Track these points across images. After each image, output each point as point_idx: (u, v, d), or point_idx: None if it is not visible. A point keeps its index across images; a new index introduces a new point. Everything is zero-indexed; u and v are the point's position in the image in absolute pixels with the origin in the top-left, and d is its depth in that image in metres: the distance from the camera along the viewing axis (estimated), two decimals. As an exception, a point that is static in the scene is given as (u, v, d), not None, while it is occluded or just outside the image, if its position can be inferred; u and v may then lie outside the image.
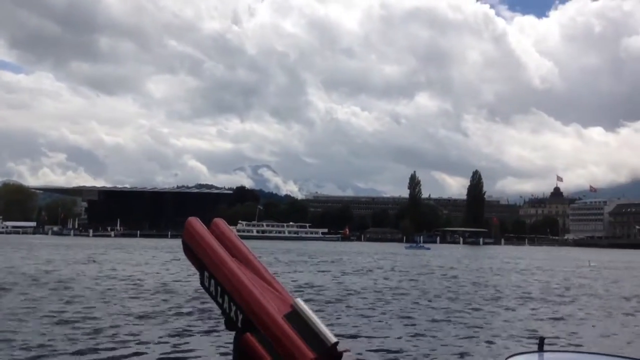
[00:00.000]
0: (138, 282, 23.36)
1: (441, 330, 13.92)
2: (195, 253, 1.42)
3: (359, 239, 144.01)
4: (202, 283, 1.41)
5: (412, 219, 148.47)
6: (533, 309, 18.87)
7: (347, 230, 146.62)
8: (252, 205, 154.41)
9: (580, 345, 12.42)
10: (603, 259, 67.18)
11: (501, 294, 23.34)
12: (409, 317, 16.03)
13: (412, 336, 13.11)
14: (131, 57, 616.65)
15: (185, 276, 24.83)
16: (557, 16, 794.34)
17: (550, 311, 18.51)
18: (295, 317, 1.29)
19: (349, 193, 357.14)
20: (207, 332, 12.18)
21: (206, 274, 1.39)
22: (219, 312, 1.39)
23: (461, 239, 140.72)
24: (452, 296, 21.80)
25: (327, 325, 1.19)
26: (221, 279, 1.36)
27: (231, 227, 1.33)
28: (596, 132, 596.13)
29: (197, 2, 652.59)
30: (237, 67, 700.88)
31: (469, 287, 26.12)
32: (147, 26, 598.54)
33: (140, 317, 14.13)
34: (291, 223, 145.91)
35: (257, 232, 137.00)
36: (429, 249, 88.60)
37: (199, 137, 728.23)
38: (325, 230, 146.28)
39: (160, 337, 11.64)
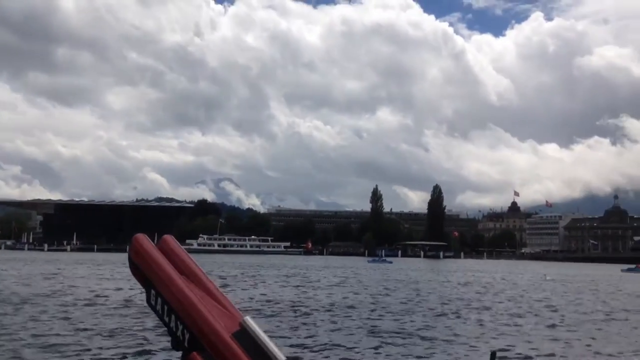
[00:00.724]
0: (90, 298, 22.86)
1: (397, 345, 14.07)
2: (141, 270, 1.40)
3: (321, 253, 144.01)
4: (148, 301, 1.38)
5: (374, 232, 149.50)
6: (490, 322, 19.26)
7: (309, 244, 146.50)
8: (213, 219, 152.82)
9: (531, 358, 12.78)
10: (558, 272, 69.03)
11: (459, 307, 23.74)
12: (368, 332, 16.17)
13: (367, 350, 13.23)
14: (89, 68, 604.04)
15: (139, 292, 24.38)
16: (513, 35, 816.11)
17: (507, 324, 18.94)
18: (244, 335, 1.27)
19: (312, 207, 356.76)
20: (154, 353, 11.92)
21: (153, 292, 1.36)
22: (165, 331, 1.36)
23: (422, 253, 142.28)
24: (410, 310, 22.07)
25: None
26: (168, 297, 1.33)
27: (181, 244, 1.41)
28: (551, 149, 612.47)
29: (158, 14, 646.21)
30: (199, 80, 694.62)
31: (429, 301, 26.49)
32: (106, 37, 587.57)
33: (89, 334, 13.85)
34: (253, 237, 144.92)
35: (219, 245, 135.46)
36: (391, 262, 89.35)
37: (160, 149, 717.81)
38: (288, 244, 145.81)
39: (104, 356, 11.43)
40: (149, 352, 11.90)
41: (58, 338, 13.20)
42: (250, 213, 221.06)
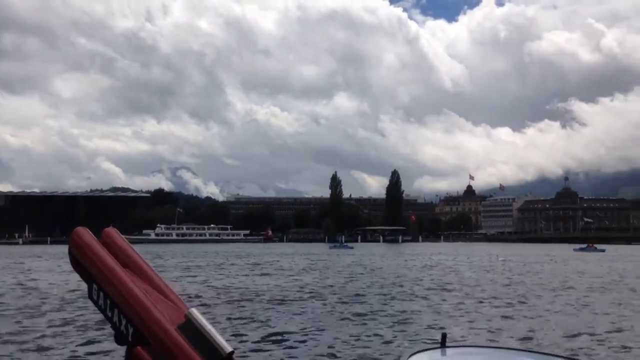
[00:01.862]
0: (37, 291, 22.19)
1: (348, 329, 14.15)
2: (82, 265, 1.38)
3: (281, 240, 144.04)
4: (90, 296, 1.36)
5: (334, 218, 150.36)
6: (444, 305, 19.59)
7: (269, 231, 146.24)
8: (171, 208, 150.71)
9: (490, 340, 13.02)
10: (512, 253, 70.96)
11: (414, 290, 24.06)
12: (325, 318, 16.19)
13: (316, 333, 13.25)
14: (37, 54, 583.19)
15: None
16: (465, 21, 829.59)
17: (460, 306, 19.28)
18: (189, 327, 1.26)
19: (271, 194, 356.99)
20: (97, 349, 11.65)
21: (95, 286, 1.34)
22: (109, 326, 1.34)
23: (381, 238, 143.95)
24: (366, 294, 22.24)
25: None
26: (110, 291, 1.31)
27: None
28: (504, 133, 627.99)
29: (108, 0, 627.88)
30: (152, 66, 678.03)
31: (386, 285, 26.76)
32: (54, 23, 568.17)
33: (29, 328, 13.42)
34: (212, 225, 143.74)
35: (177, 235, 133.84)
36: (352, 248, 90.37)
37: (113, 138, 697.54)
38: (248, 231, 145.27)
39: (47, 353, 11.09)
40: (91, 346, 11.59)
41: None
42: (209, 202, 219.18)
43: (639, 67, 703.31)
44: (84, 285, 1.39)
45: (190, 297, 20.48)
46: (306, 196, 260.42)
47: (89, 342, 12.01)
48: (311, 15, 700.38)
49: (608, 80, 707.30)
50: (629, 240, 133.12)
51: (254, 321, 15.70)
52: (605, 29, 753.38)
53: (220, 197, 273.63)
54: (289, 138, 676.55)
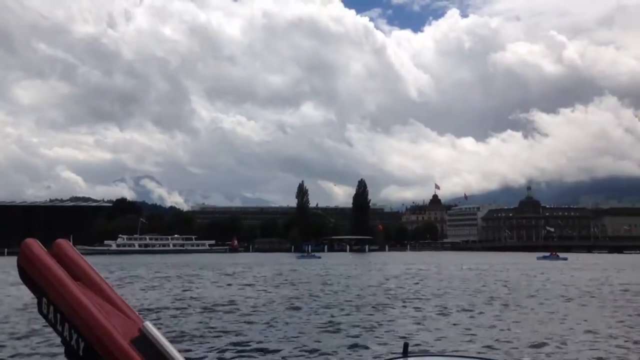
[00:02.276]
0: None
1: (312, 339, 13.73)
2: (32, 278, 1.33)
3: (247, 250, 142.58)
4: (40, 310, 1.31)
5: (301, 228, 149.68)
6: (406, 313, 19.28)
7: (235, 241, 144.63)
8: (133, 218, 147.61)
9: (453, 349, 12.70)
10: (477, 261, 71.51)
11: (380, 300, 23.72)
12: (290, 329, 15.69)
13: (279, 344, 12.77)
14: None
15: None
16: (431, 31, 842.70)
17: (424, 315, 19.00)
18: (144, 341, 1.23)
19: (237, 203, 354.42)
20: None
21: (44, 300, 1.30)
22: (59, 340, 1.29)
23: (348, 247, 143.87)
24: (332, 304, 21.80)
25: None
26: (61, 304, 1.27)
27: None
28: (468, 142, 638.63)
29: (69, 3, 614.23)
30: (114, 73, 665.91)
31: (352, 294, 26.36)
32: (11, 28, 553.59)
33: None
34: (176, 235, 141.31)
35: (140, 246, 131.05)
36: (319, 257, 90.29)
37: (74, 146, 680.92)
38: (213, 242, 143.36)
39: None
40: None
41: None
42: (173, 211, 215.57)
43: (599, 79, 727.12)
44: (34, 299, 1.35)
45: (152, 310, 19.67)
46: (273, 206, 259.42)
47: (37, 358, 11.29)
48: (277, 23, 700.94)
49: (569, 92, 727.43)
50: (589, 249, 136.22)
51: (221, 334, 15.09)
52: (566, 41, 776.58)
53: (185, 207, 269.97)
54: (255, 147, 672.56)
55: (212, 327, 15.80)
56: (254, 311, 19.79)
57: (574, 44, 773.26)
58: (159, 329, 1.23)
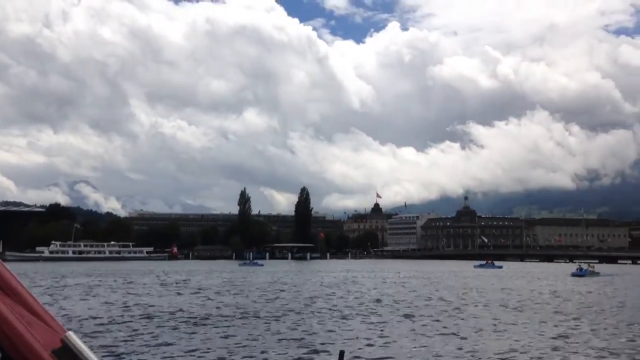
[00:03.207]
0: None
1: (250, 347, 13.57)
2: None
3: (187, 257, 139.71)
4: None
5: (242, 235, 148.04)
6: (344, 321, 19.34)
7: (174, 248, 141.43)
8: (68, 224, 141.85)
9: (388, 356, 12.79)
10: (415, 269, 72.81)
11: (318, 308, 23.71)
12: (221, 336, 15.42)
13: (209, 353, 12.54)
14: None
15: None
16: (373, 43, 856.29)
17: (361, 323, 19.11)
18: (66, 352, 1.18)
19: (177, 210, 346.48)
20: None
21: None
22: None
23: (290, 255, 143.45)
24: (272, 312, 21.62)
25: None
26: None
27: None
28: (409, 152, 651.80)
29: (3, 2, 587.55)
30: (50, 74, 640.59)
31: (291, 302, 26.22)
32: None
33: None
34: (113, 242, 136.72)
35: (74, 252, 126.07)
36: (262, 265, 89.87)
37: (5, 149, 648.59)
38: (151, 249, 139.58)
39: None
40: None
41: None
42: (110, 217, 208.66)
43: (531, 94, 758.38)
44: None
45: (82, 319, 18.87)
46: (214, 213, 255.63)
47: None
48: (220, 29, 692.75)
49: (503, 105, 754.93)
50: (521, 257, 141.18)
51: (153, 342, 14.62)
52: (501, 57, 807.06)
53: (123, 213, 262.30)
54: (196, 153, 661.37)
55: (145, 336, 15.32)
56: (192, 319, 19.31)
57: (508, 59, 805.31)
58: (83, 339, 1.19)
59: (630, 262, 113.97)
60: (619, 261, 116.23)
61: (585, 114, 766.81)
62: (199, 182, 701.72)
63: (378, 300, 27.73)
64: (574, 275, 56.68)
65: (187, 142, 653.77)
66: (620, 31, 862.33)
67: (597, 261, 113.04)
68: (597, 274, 58.04)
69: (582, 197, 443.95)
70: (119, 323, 18.24)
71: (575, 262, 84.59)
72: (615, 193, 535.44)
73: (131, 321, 18.79)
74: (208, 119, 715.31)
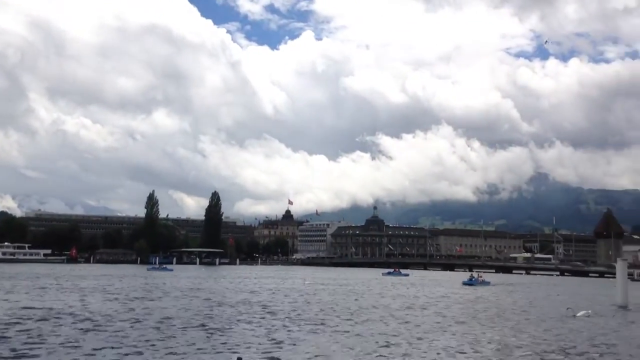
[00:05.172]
0: None
1: (145, 356, 13.31)
2: None
3: (87, 261, 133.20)
4: None
5: (149, 239, 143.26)
6: (245, 329, 19.36)
7: (74, 251, 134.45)
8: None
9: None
10: (324, 276, 73.76)
11: (217, 313, 23.54)
12: (113, 346, 14.97)
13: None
14: None
15: None
16: (287, 51, 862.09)
17: (260, 329, 19.19)
18: None
19: (79, 211, 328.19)
20: None
21: None
22: None
23: (198, 260, 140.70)
24: (169, 319, 21.25)
25: None
26: None
27: None
28: (320, 160, 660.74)
29: None
30: None
31: (191, 308, 25.83)
32: None
33: None
34: (6, 243, 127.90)
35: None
36: (172, 270, 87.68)
37: None
38: (49, 251, 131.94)
39: None
40: None
41: None
42: (4, 217, 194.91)
43: (437, 109, 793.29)
44: None
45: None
46: (119, 215, 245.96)
47: None
48: (130, 26, 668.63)
49: (411, 119, 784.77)
50: (425, 266, 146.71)
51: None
52: (410, 72, 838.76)
53: (19, 212, 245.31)
54: (101, 152, 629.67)
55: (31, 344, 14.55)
56: (93, 325, 18.54)
57: (416, 75, 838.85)
58: None
59: (524, 272, 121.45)
60: (514, 271, 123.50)
61: (485, 130, 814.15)
62: (102, 183, 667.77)
63: (279, 306, 27.88)
64: (464, 284, 59.47)
65: (91, 140, 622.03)
66: (520, 54, 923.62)
67: (493, 270, 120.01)
68: (488, 283, 60.95)
69: (482, 210, 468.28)
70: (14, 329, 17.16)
71: (473, 271, 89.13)
72: (512, 207, 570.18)
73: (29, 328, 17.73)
74: (114, 117, 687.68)
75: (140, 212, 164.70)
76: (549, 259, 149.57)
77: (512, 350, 16.68)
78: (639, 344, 19.40)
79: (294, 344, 16.14)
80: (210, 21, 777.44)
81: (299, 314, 24.43)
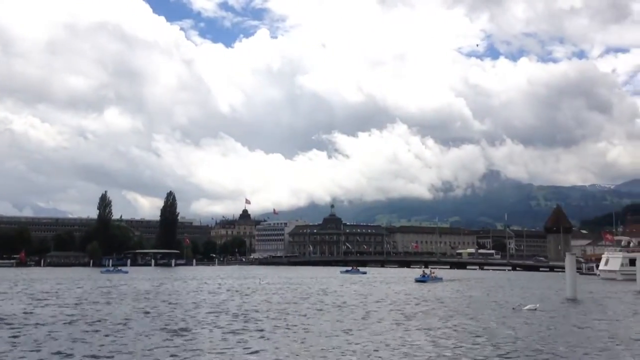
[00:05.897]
0: None
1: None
2: None
3: (38, 264, 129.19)
4: None
5: (102, 241, 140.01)
6: (196, 333, 19.30)
7: (23, 254, 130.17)
8: None
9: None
10: (286, 275, 73.74)
11: (170, 316, 23.37)
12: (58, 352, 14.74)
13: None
14: None
15: None
16: (242, 48, 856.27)
17: (222, 332, 19.17)
18: None
19: (27, 213, 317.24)
20: None
21: None
22: None
23: (153, 261, 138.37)
24: (127, 323, 20.96)
25: None
26: None
27: None
28: (277, 159, 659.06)
29: None
30: None
31: (139, 312, 25.54)
32: None
33: None
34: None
35: None
36: (127, 272, 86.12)
37: None
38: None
39: None
40: None
41: None
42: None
43: (392, 108, 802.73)
44: None
45: None
46: (70, 217, 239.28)
47: None
48: (80, 23, 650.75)
49: (367, 117, 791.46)
50: (382, 263, 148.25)
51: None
52: (366, 71, 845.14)
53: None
54: (50, 152, 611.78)
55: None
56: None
57: (372, 74, 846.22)
58: None
59: (477, 267, 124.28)
60: (468, 267, 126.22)
61: (439, 129, 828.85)
62: (52, 183, 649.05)
63: (232, 308, 27.83)
64: (417, 281, 59.80)
65: (40, 140, 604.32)
66: (471, 54, 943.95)
67: (448, 267, 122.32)
68: (440, 279, 61.63)
69: (437, 207, 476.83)
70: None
71: (429, 268, 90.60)
72: (466, 204, 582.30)
73: None
74: (64, 116, 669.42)
75: (93, 213, 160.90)
76: (492, 254, 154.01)
77: (444, 349, 16.70)
78: (587, 334, 20.15)
79: (249, 347, 16.18)
80: (163, 18, 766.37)
81: (252, 316, 24.40)
